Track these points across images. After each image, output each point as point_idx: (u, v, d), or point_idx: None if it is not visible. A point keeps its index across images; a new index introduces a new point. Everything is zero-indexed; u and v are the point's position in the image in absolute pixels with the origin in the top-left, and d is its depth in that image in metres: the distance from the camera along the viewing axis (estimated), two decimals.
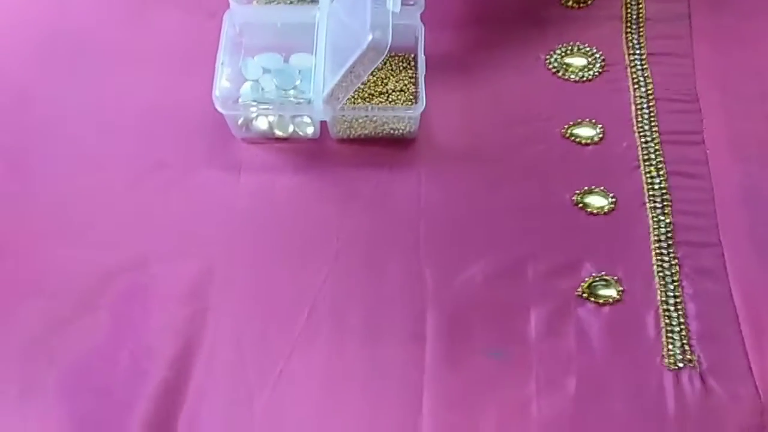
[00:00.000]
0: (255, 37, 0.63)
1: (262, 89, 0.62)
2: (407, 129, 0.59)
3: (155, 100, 0.63)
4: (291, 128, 0.61)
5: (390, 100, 0.61)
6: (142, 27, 0.67)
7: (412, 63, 0.62)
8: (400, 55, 0.63)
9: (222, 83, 0.59)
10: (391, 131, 0.60)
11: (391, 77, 0.62)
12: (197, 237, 0.57)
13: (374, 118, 0.58)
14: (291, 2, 0.65)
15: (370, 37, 0.50)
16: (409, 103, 0.60)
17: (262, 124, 0.60)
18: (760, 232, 0.56)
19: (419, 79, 0.58)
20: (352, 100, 0.60)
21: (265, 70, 0.63)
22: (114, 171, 0.60)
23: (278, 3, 0.64)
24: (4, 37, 0.66)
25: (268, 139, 0.61)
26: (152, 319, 0.54)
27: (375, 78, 0.61)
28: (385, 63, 0.62)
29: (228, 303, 0.55)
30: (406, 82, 0.61)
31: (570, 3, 0.67)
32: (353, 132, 0.60)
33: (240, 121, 0.60)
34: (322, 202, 0.58)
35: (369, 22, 0.50)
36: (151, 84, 0.64)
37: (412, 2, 0.59)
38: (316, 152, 0.61)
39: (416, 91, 0.60)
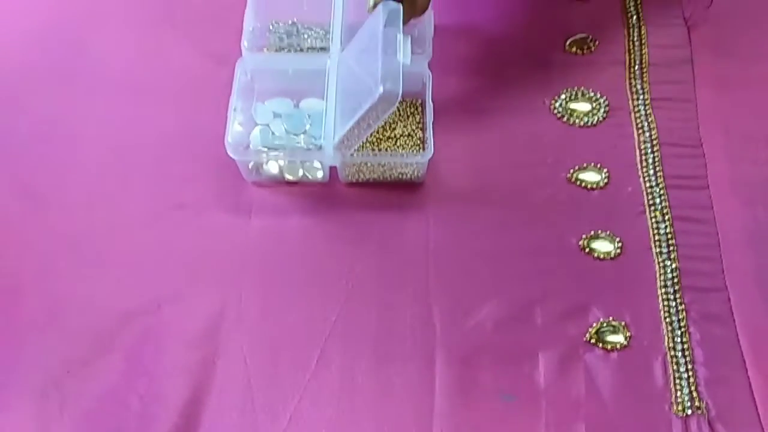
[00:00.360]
0: (266, 82, 0.64)
1: (273, 133, 0.63)
2: (415, 174, 0.60)
3: (169, 138, 0.64)
4: (301, 172, 0.62)
5: (398, 145, 0.62)
6: (157, 65, 0.68)
7: (420, 108, 0.63)
8: (407, 100, 0.64)
9: (234, 128, 0.61)
10: (399, 176, 0.61)
11: (399, 122, 0.63)
12: (209, 279, 0.58)
13: (383, 163, 0.59)
14: (302, 50, 0.66)
15: (381, 89, 0.51)
16: (417, 148, 0.61)
17: (272, 168, 0.61)
18: (767, 277, 0.57)
19: (427, 126, 0.59)
20: (361, 145, 0.61)
21: (276, 115, 0.64)
22: (129, 209, 0.61)
23: (289, 51, 0.66)
24: (28, 75, 0.68)
25: (278, 182, 0.62)
26: (164, 363, 0.54)
27: (383, 123, 0.62)
28: None
29: (238, 346, 0.55)
30: (413, 127, 0.62)
31: (574, 49, 0.68)
32: (362, 176, 0.61)
33: (250, 165, 0.61)
34: (332, 245, 0.59)
35: (380, 74, 0.51)
36: (165, 121, 0.65)
37: (420, 50, 0.61)
38: (325, 196, 0.62)
39: (424, 137, 0.61)
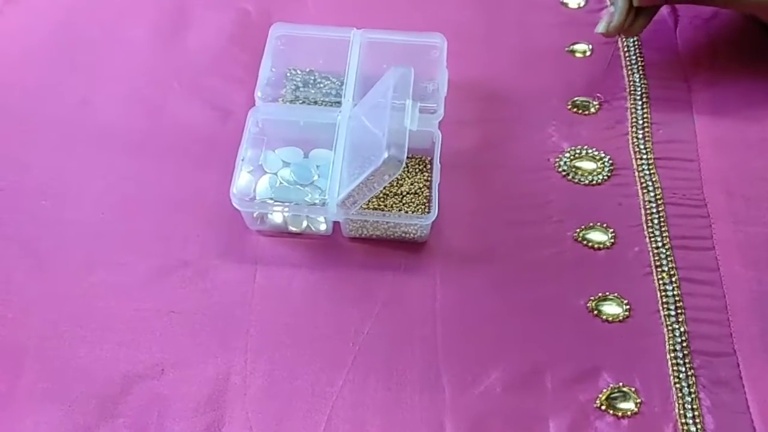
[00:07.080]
0: (277, 132, 0.64)
1: (280, 182, 0.62)
2: (418, 234, 0.59)
3: (173, 195, 0.63)
4: (304, 224, 0.61)
5: (404, 202, 0.61)
6: (161, 121, 0.68)
7: (429, 166, 0.63)
8: (417, 157, 0.63)
9: (242, 177, 0.60)
10: (403, 234, 0.60)
11: (407, 179, 0.62)
12: (214, 341, 0.56)
13: (386, 222, 0.58)
14: (315, 103, 0.66)
15: (386, 155, 0.51)
16: (423, 206, 0.61)
17: (276, 218, 0.61)
18: None
19: (433, 187, 0.58)
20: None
21: (285, 164, 0.63)
22: (132, 268, 0.59)
23: (303, 102, 0.66)
24: (31, 132, 0.67)
25: (281, 232, 0.61)
26: (168, 430, 0.52)
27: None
28: None
29: (243, 413, 0.53)
30: (420, 185, 0.62)
31: (576, 109, 0.69)
32: (365, 232, 0.60)
33: (255, 214, 0.61)
34: (338, 305, 0.58)
35: (386, 140, 0.51)
36: (169, 178, 0.64)
37: (432, 111, 0.61)
38: (329, 249, 0.61)
39: (430, 196, 0.60)
